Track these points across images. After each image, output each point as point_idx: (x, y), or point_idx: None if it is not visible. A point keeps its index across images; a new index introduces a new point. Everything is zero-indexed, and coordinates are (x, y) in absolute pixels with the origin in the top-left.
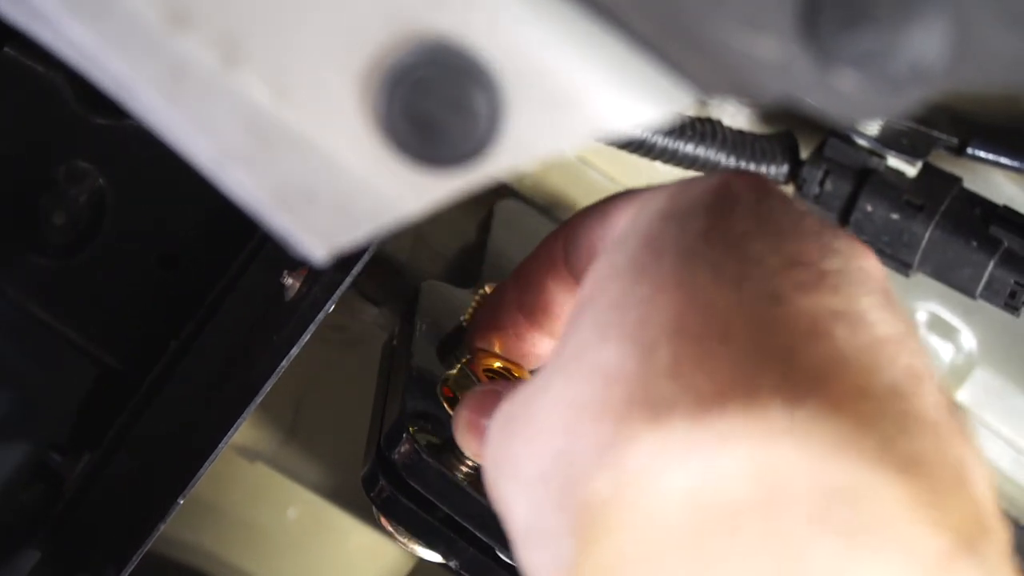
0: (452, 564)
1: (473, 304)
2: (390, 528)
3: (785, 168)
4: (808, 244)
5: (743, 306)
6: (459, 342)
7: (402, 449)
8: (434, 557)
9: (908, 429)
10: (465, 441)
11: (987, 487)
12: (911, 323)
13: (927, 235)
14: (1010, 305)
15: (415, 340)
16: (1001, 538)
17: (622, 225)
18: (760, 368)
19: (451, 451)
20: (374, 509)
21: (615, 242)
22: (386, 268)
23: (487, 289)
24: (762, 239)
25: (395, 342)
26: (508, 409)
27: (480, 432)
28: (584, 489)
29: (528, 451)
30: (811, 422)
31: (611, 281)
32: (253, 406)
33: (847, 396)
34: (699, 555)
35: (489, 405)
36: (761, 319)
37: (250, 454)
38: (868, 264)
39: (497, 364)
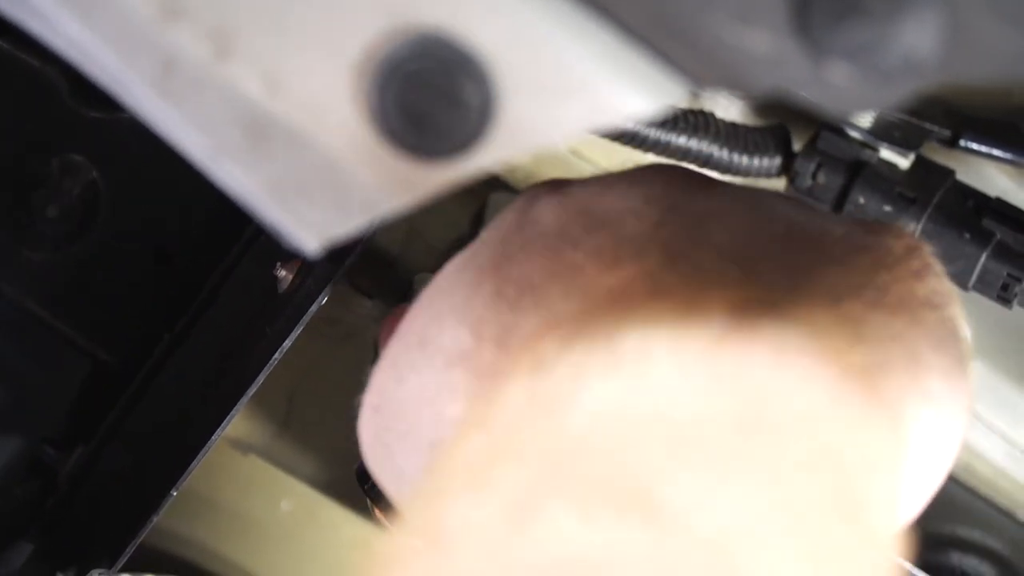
0: None
1: None
2: (384, 520)
3: (778, 160)
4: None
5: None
6: None
7: None
8: None
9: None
10: None
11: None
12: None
13: (920, 227)
14: (1003, 297)
15: None
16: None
17: None
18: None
19: None
20: (368, 501)
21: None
22: (379, 261)
23: None
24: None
25: None
26: (371, 401)
27: None
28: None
29: (403, 447)
30: None
31: (444, 273)
32: (246, 398)
33: None
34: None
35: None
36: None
37: (243, 446)
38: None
39: None
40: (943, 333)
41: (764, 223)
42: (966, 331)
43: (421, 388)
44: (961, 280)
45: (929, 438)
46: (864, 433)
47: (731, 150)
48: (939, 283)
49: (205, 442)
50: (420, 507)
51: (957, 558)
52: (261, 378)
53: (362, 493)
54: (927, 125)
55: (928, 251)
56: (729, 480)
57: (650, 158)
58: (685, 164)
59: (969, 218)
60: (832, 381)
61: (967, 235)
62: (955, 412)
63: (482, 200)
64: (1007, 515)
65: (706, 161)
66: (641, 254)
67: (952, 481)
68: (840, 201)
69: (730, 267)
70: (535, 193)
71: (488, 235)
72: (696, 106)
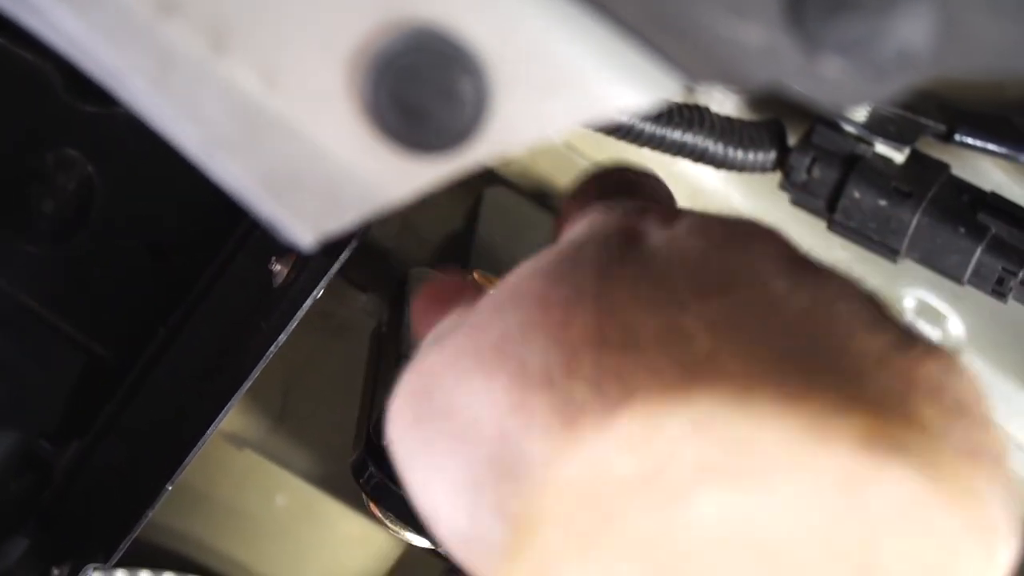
0: (441, 550)
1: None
2: (379, 515)
3: (773, 155)
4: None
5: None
6: None
7: None
8: (423, 543)
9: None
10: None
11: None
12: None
13: (915, 222)
14: (998, 291)
15: (404, 327)
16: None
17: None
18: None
19: None
20: (363, 496)
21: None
22: (374, 255)
23: (476, 276)
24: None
25: (384, 329)
26: (419, 383)
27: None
28: (523, 500)
29: (449, 447)
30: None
31: (533, 279)
32: (241, 393)
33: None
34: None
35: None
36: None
37: (238, 441)
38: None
39: None
40: (1010, 489)
41: (871, 336)
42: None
43: (489, 396)
44: (956, 274)
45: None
46: None
47: (726, 144)
48: (998, 433)
49: (200, 437)
50: (527, 570)
51: None
52: (256, 373)
53: (357, 488)
54: (922, 119)
55: (984, 394)
56: None
57: (644, 153)
58: (680, 158)
59: (964, 212)
60: (952, 537)
61: (962, 229)
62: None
63: (477, 194)
64: None
65: (701, 155)
66: (760, 339)
67: None
68: (835, 195)
69: (848, 384)
70: (644, 215)
71: (585, 246)
72: (691, 101)
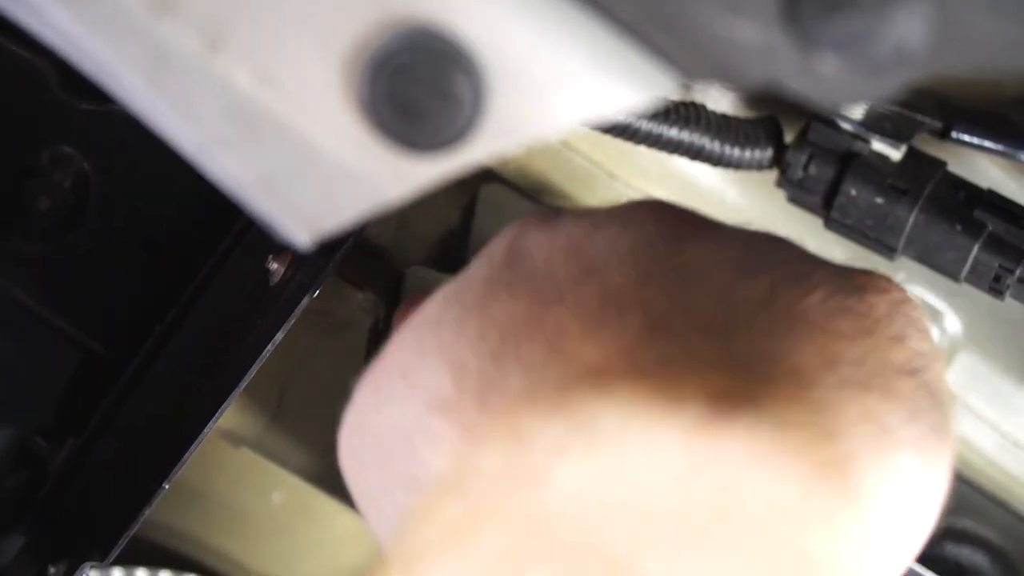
0: None
1: None
2: None
3: (769, 152)
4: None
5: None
6: None
7: None
8: None
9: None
10: None
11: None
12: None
13: (911, 219)
14: (995, 289)
15: None
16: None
17: None
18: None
19: None
20: None
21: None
22: (370, 253)
23: None
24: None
25: (381, 326)
26: (351, 419)
27: None
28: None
29: (376, 473)
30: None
31: (432, 304)
32: (238, 391)
33: None
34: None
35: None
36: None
37: (235, 439)
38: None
39: None
40: (919, 402)
41: (749, 281)
42: (947, 390)
43: (400, 422)
44: (953, 271)
45: (898, 514)
46: (830, 526)
47: (722, 142)
48: (920, 343)
49: (197, 434)
50: (399, 570)
51: (951, 548)
52: (253, 371)
53: None
54: (918, 117)
55: (912, 305)
56: (700, 567)
57: (641, 150)
58: (677, 156)
59: (961, 209)
60: (801, 478)
61: (959, 227)
62: (928, 483)
63: (473, 192)
64: (1000, 505)
65: (697, 153)
66: (622, 317)
67: None
68: (831, 193)
69: (707, 344)
70: (525, 225)
71: (477, 267)
72: (687, 98)
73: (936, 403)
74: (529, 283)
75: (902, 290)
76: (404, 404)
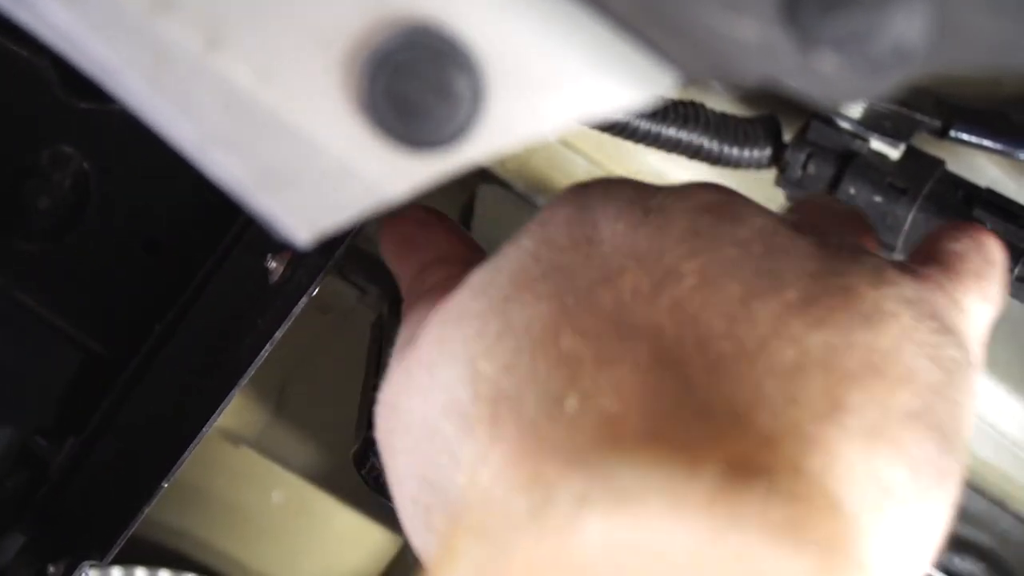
0: None
1: None
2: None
3: (768, 151)
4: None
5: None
6: None
7: None
8: None
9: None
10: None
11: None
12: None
13: (910, 217)
14: None
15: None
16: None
17: None
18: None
19: None
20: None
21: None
22: (370, 252)
23: None
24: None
25: (384, 319)
26: (386, 397)
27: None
28: (443, 523)
29: (403, 459)
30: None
31: (468, 286)
32: (237, 389)
33: None
34: None
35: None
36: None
37: (234, 437)
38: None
39: None
40: (925, 450)
41: (758, 304)
42: (961, 420)
43: (424, 416)
44: None
45: (898, 566)
46: None
47: (721, 141)
48: (930, 374)
49: (197, 433)
50: None
51: (944, 552)
52: (253, 369)
53: (353, 483)
54: (917, 115)
55: (933, 305)
56: None
57: (640, 149)
58: (675, 155)
59: (959, 208)
60: (811, 554)
61: None
62: (928, 530)
63: (471, 191)
64: (995, 507)
65: (696, 152)
66: (634, 343)
67: None
68: (830, 191)
69: (717, 389)
70: (558, 205)
71: (510, 251)
72: (686, 97)
73: (944, 446)
74: (551, 283)
75: (926, 286)
76: (427, 398)
